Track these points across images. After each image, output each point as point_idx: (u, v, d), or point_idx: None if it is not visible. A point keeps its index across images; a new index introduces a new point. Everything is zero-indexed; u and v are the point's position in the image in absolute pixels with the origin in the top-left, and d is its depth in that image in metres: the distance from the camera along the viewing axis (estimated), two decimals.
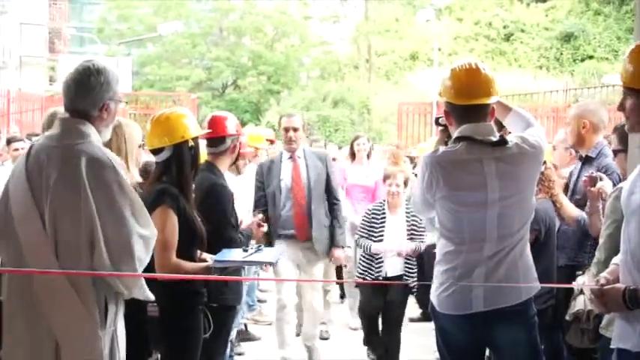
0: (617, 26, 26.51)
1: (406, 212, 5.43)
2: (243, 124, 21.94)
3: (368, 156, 7.36)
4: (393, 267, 5.41)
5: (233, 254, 3.45)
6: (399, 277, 5.35)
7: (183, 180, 3.31)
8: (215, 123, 3.92)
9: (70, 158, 2.65)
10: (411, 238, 5.37)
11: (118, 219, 2.63)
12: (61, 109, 3.68)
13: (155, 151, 3.35)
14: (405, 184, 5.52)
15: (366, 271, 5.39)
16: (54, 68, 25.78)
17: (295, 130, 5.37)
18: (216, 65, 28.93)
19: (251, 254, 3.40)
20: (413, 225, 5.38)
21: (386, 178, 5.54)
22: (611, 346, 2.54)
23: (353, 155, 7.29)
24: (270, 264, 3.62)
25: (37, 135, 8.18)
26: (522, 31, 27.80)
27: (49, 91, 23.07)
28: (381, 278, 5.32)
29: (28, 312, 2.66)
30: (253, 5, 29.78)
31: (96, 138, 2.75)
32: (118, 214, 2.63)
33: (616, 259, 2.62)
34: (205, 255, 3.49)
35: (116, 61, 19.60)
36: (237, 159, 4.24)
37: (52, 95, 20.57)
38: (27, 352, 2.67)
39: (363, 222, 5.50)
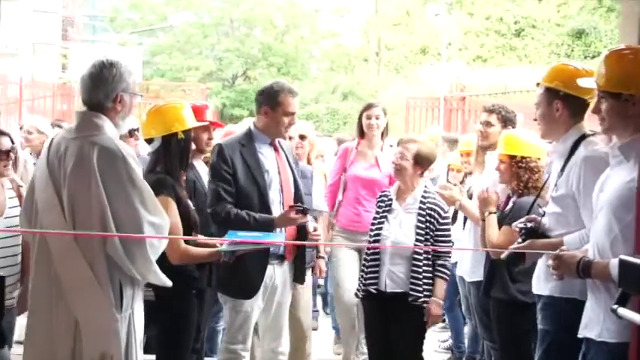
0: None
1: (421, 202, 4.05)
2: (252, 115, 22.03)
3: (382, 136, 5.06)
4: (395, 278, 4.02)
5: (241, 236, 3.50)
6: (404, 295, 4.01)
7: (172, 170, 3.41)
8: None
9: (84, 150, 2.80)
10: (424, 241, 3.99)
11: (128, 207, 2.77)
12: None
13: (149, 141, 3.52)
14: (418, 161, 4.07)
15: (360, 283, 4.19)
16: (66, 56, 25.90)
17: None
18: (227, 56, 29.03)
19: (258, 236, 3.49)
20: (428, 222, 4.01)
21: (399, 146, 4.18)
22: (579, 335, 2.64)
23: (361, 133, 5.07)
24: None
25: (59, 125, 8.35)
26: (533, 26, 27.68)
27: (62, 78, 23.20)
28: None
29: (51, 295, 2.82)
30: None
31: (110, 129, 2.89)
32: (128, 202, 2.77)
33: (587, 247, 2.75)
34: (214, 239, 3.58)
35: (127, 51, 19.71)
36: (200, 151, 4.01)
37: (65, 83, 20.70)
38: (47, 331, 2.82)
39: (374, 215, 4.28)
